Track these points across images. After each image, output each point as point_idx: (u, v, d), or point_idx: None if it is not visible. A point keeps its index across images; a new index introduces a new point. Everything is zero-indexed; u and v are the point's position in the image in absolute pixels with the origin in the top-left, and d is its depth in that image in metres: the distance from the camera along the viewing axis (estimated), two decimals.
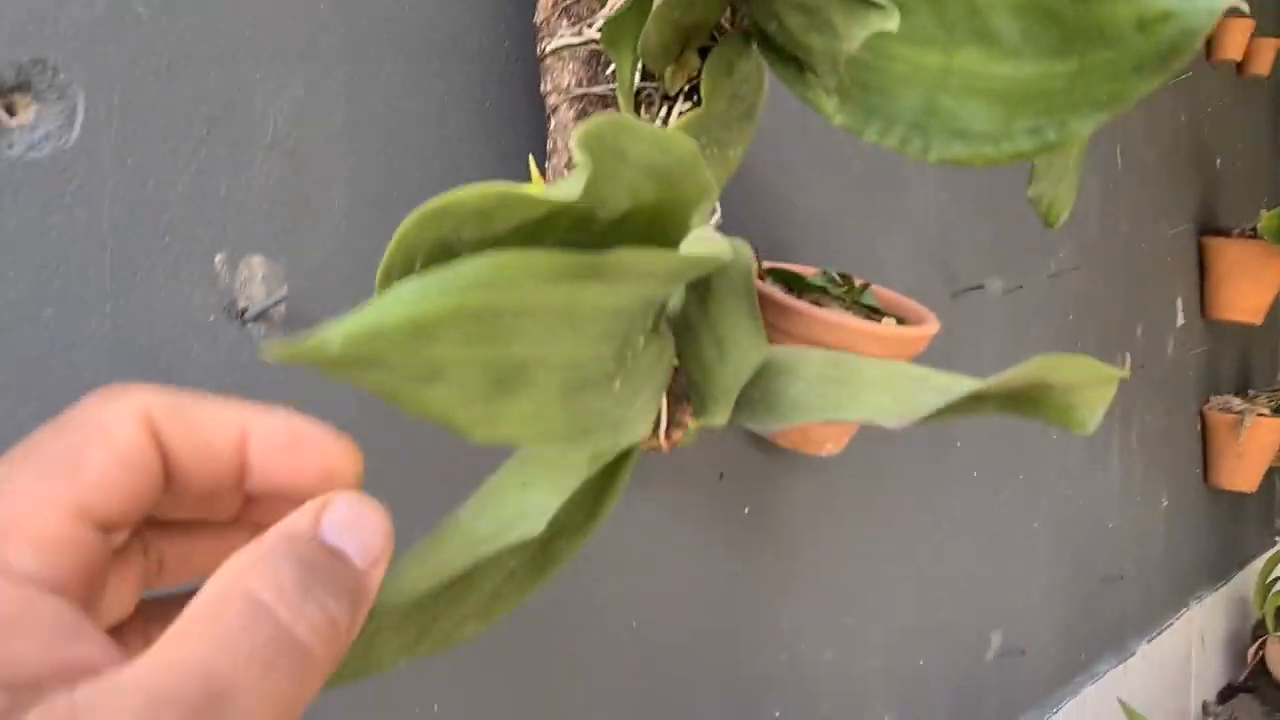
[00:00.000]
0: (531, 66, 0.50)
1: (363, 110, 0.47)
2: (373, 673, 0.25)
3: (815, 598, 0.82)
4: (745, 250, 0.38)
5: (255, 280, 0.43)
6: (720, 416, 0.32)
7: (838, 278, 0.65)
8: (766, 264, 0.67)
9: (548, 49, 0.48)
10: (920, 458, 0.97)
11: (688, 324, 0.38)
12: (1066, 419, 0.36)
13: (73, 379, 0.37)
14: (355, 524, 0.18)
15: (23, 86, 0.36)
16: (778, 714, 0.77)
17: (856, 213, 0.86)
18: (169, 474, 0.18)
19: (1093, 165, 1.36)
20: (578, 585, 0.60)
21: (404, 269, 0.24)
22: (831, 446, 0.69)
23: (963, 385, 0.33)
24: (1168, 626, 1.69)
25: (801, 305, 0.57)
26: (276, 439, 0.19)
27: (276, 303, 0.42)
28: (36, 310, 0.36)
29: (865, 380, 0.36)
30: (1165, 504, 1.71)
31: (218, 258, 0.42)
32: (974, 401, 0.37)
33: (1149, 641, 1.62)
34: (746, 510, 0.73)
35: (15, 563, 0.15)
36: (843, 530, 0.85)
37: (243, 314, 0.42)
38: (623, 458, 0.31)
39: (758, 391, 0.38)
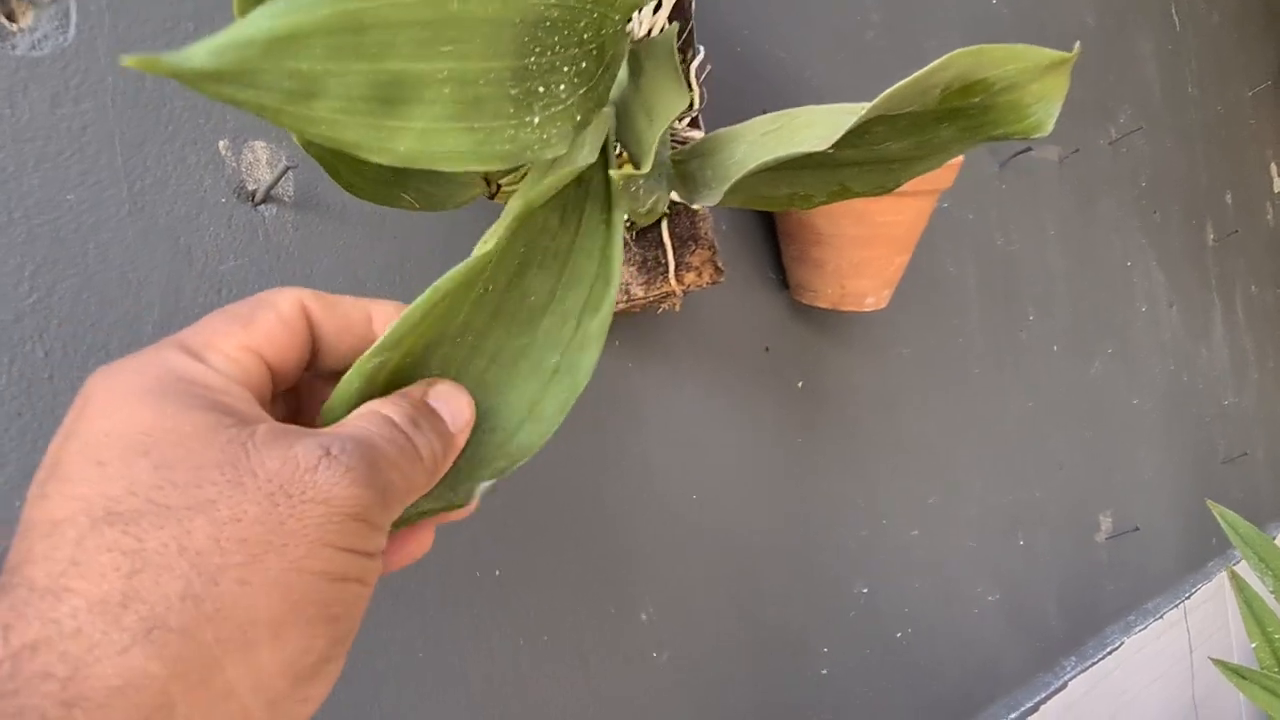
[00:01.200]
0: None
1: None
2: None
3: (890, 473, 0.81)
4: (669, 28, 0.39)
5: (260, 164, 0.46)
6: (645, 164, 0.33)
7: None
8: None
9: None
10: (980, 328, 0.94)
11: (627, 110, 0.39)
12: (1021, 122, 0.34)
13: (102, 255, 0.40)
14: (450, 399, 0.25)
15: None
16: (865, 589, 0.76)
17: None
18: (318, 340, 0.25)
19: (1144, 27, 1.29)
20: (634, 457, 0.61)
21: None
22: (872, 300, 0.68)
23: (879, 97, 0.32)
24: None
25: None
26: (391, 317, 0.26)
27: (279, 178, 0.44)
28: (59, 195, 0.40)
29: (799, 125, 0.36)
30: None
31: (221, 144, 0.44)
32: (923, 126, 0.36)
33: None
34: (800, 385, 0.73)
35: (215, 364, 0.22)
36: (906, 403, 0.84)
37: (253, 196, 0.45)
38: (609, 206, 0.32)
39: (709, 169, 0.38)
